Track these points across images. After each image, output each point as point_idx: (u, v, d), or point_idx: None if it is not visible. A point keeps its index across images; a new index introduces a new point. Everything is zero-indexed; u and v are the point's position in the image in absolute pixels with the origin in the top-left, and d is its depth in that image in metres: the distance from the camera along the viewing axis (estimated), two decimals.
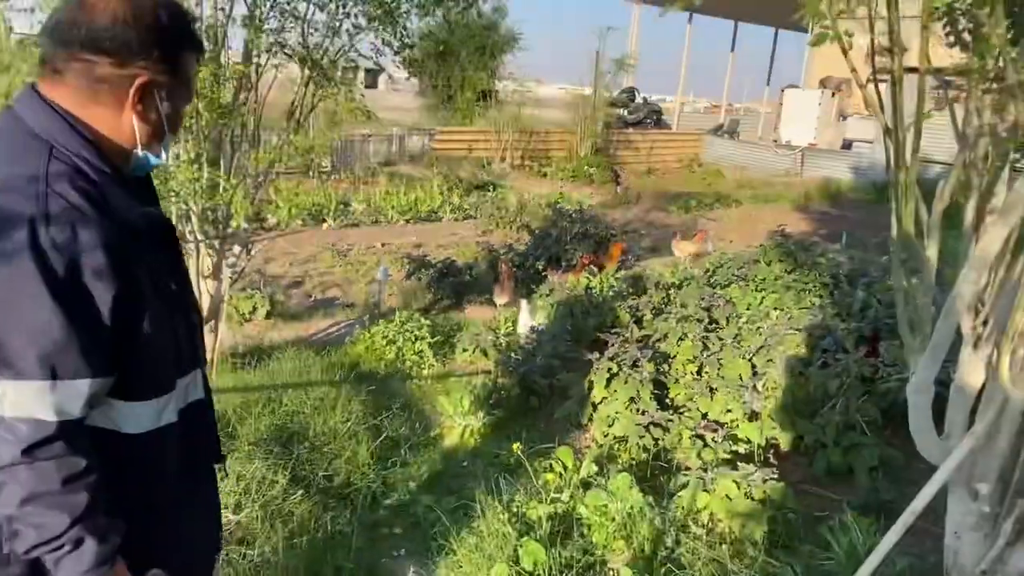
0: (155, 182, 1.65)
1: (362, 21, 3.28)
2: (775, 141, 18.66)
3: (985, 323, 1.64)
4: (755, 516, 3.11)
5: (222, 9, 3.21)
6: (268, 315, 5.67)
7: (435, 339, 5.13)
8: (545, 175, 15.39)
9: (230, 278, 3.92)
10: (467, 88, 18.71)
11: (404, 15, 3.38)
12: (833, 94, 18.17)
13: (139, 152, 1.32)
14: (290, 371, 4.28)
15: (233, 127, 3.34)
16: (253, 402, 3.68)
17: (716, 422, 3.94)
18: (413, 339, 5.08)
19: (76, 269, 1.17)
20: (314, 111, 3.71)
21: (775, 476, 3.21)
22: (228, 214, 3.65)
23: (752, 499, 3.15)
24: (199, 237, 3.69)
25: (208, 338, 4.04)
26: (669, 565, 2.90)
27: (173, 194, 3.18)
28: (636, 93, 23.12)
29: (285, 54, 3.36)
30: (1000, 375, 1.59)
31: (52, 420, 1.16)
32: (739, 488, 3.16)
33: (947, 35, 2.18)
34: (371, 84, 27.02)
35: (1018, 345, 1.56)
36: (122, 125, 1.30)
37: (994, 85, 1.55)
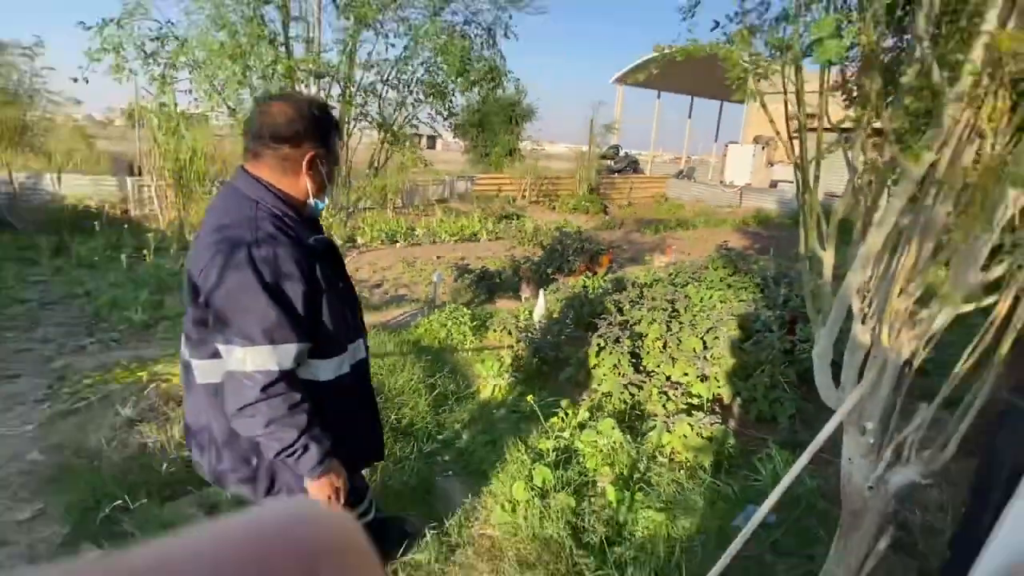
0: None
1: (420, 97, 3.28)
2: (721, 182, 18.36)
3: (870, 304, 1.60)
4: (704, 450, 3.05)
5: (323, 90, 3.24)
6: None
7: (474, 323, 5.12)
8: (554, 208, 15.30)
9: None
10: (498, 146, 18.68)
11: (450, 93, 3.36)
12: (763, 148, 17.85)
13: (311, 201, 1.49)
14: (376, 345, 4.29)
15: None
16: None
17: (676, 382, 3.88)
18: (458, 323, 5.08)
19: (278, 274, 1.34)
20: (388, 162, 3.71)
21: (719, 421, 3.15)
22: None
23: (702, 437, 3.10)
24: None
25: None
26: (642, 484, 2.87)
27: None
28: (619, 148, 22.94)
29: (367, 121, 3.36)
30: (881, 341, 1.55)
31: (276, 370, 1.34)
32: (692, 429, 3.11)
33: (843, 97, 2.14)
34: (431, 146, 27.16)
35: (893, 320, 1.52)
36: (300, 184, 1.46)
37: (872, 130, 1.51)
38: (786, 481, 1.77)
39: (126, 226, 8.29)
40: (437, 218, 11.94)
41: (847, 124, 1.87)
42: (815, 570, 2.18)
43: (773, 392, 3.63)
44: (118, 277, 6.18)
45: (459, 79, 3.19)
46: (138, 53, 2.51)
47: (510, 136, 19.02)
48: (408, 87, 3.11)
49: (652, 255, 8.91)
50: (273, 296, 1.33)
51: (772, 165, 17.78)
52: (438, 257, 8.65)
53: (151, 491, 2.30)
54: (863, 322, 1.64)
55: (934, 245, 1.43)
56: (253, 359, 1.32)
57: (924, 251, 1.45)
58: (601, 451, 3.00)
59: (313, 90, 2.96)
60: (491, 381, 3.99)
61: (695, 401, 3.66)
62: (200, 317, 1.41)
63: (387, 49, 3.04)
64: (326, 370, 1.52)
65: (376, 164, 3.57)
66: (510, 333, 4.62)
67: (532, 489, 2.62)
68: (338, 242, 3.84)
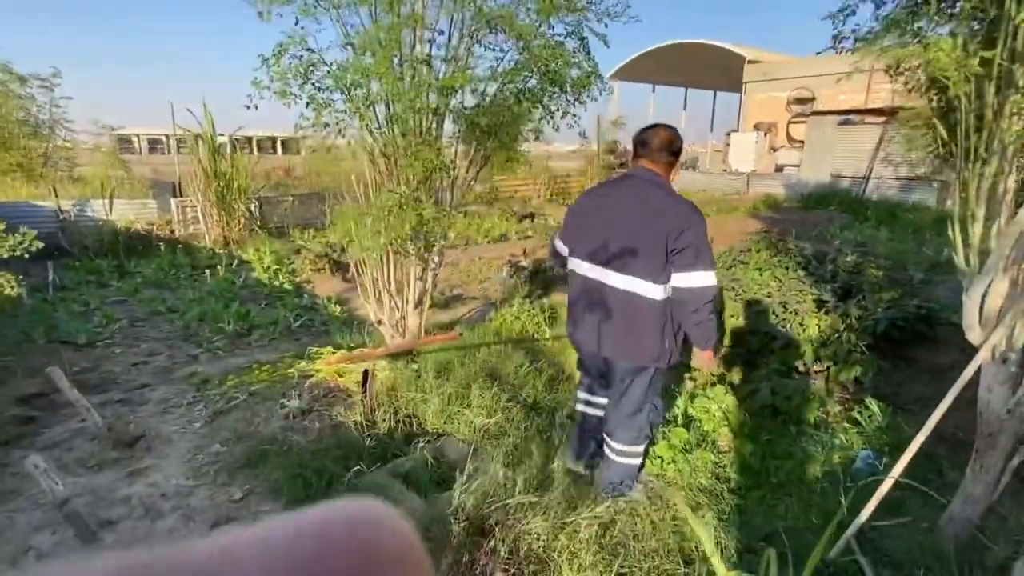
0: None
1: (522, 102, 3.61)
2: (725, 170, 18.75)
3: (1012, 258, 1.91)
4: (808, 407, 3.37)
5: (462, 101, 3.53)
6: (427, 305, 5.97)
7: (544, 314, 5.42)
8: (567, 205, 15.60)
9: (432, 277, 4.24)
10: (503, 150, 18.95)
11: (548, 99, 3.67)
12: (765, 134, 18.25)
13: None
14: (464, 339, 4.59)
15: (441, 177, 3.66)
16: (456, 356, 4.00)
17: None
18: (532, 316, 5.37)
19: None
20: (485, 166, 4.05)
21: (815, 380, 3.48)
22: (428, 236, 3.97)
23: (805, 396, 3.41)
24: (411, 251, 4.00)
25: (418, 317, 4.38)
26: (758, 439, 3.18)
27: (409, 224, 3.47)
28: (619, 143, 23.33)
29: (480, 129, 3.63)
30: (1020, 289, 1.87)
31: (716, 284, 2.23)
32: (795, 391, 3.43)
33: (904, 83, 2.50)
34: None
35: None
36: (671, 179, 2.33)
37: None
38: (943, 407, 2.09)
39: (180, 245, 8.54)
40: (463, 222, 12.21)
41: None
42: (944, 499, 2.50)
43: (852, 356, 3.95)
44: (196, 293, 6.43)
45: (558, 88, 3.50)
46: (301, 79, 2.81)
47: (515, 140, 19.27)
48: (519, 96, 3.39)
49: None
50: (707, 237, 2.19)
51: (775, 151, 18.17)
52: (480, 258, 8.93)
53: (358, 462, 2.58)
54: (1005, 271, 1.96)
55: None
56: (713, 278, 2.18)
57: None
58: (714, 416, 3.31)
59: (456, 100, 3.25)
60: None
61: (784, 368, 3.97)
62: (638, 254, 2.20)
63: (499, 63, 3.33)
64: None
65: (478, 168, 3.86)
66: None
67: (672, 448, 2.93)
68: (441, 241, 4.14)
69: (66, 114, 12.83)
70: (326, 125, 2.90)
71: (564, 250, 2.50)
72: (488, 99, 3.55)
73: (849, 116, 15.91)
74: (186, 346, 5.00)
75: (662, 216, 2.17)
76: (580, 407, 2.74)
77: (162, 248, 8.50)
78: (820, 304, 4.50)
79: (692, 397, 3.51)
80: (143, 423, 3.30)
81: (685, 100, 26.15)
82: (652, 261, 2.18)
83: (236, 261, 8.12)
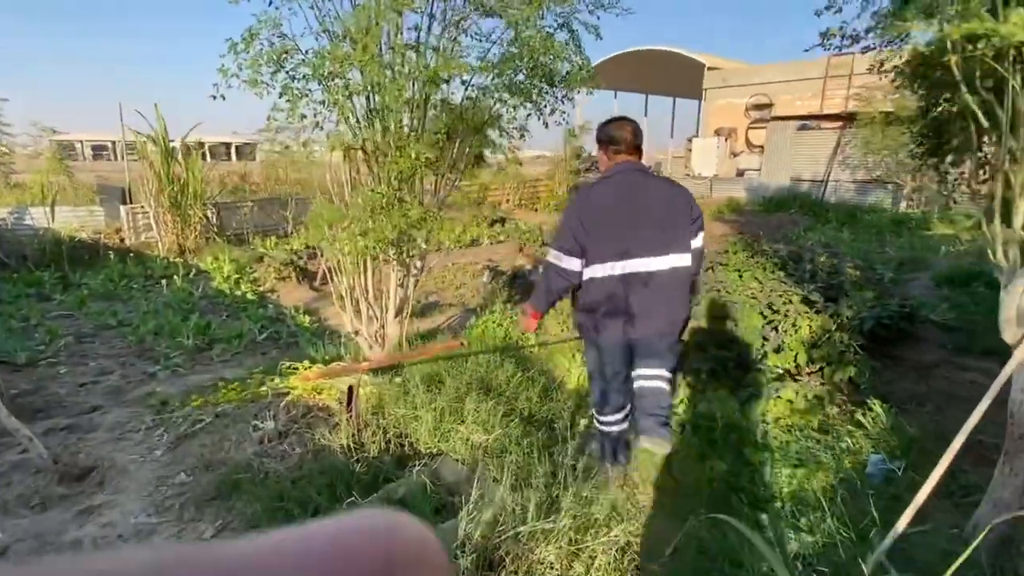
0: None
1: (507, 98, 3.42)
2: (688, 175, 19.05)
3: None
4: (811, 412, 3.27)
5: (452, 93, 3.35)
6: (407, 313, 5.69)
7: None
8: (536, 210, 15.55)
9: (413, 284, 3.99)
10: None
11: (538, 94, 3.49)
12: (726, 139, 18.63)
13: None
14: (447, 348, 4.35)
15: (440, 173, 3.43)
16: (444, 366, 3.75)
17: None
18: (515, 323, 5.17)
19: None
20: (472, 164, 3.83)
21: (824, 383, 3.38)
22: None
23: (808, 400, 3.31)
24: (392, 256, 3.75)
25: (398, 327, 4.11)
26: (764, 447, 3.05)
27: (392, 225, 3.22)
28: (583, 150, 23.49)
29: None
30: None
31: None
32: (798, 394, 3.33)
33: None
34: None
35: None
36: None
37: None
38: (980, 409, 1.98)
39: (131, 254, 7.97)
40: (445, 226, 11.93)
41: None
42: (972, 501, 2.41)
43: (845, 356, 3.89)
44: (150, 304, 5.96)
45: (546, 83, 3.32)
46: (274, 67, 2.53)
47: (477, 144, 19.12)
48: (510, 90, 3.20)
49: None
50: None
51: (735, 155, 18.58)
52: (452, 264, 8.68)
53: (347, 490, 2.32)
54: None
55: None
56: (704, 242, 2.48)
57: None
58: (719, 423, 3.17)
59: (443, 93, 3.03)
60: (575, 372, 4.12)
61: (772, 373, 3.88)
62: (676, 230, 2.35)
63: (487, 52, 3.13)
64: None
65: (463, 166, 3.65)
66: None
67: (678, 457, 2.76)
68: (423, 246, 3.90)
69: (1, 117, 11.95)
70: (303, 117, 2.63)
71: (577, 264, 2.38)
72: (477, 92, 3.34)
73: (806, 122, 16.41)
74: (141, 363, 4.58)
75: (678, 194, 2.41)
76: (606, 428, 2.62)
77: (111, 257, 7.92)
78: (808, 304, 4.45)
79: (692, 404, 3.37)
80: (94, 452, 2.93)
81: (646, 106, 26.61)
82: (686, 235, 2.39)
83: (193, 270, 7.65)
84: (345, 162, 3.33)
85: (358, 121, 2.94)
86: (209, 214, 9.41)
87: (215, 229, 9.38)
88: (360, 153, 3.22)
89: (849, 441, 3.06)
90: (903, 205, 12.82)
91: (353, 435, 2.66)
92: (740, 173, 17.79)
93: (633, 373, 2.50)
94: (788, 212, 13.97)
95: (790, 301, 4.75)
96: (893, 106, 11.97)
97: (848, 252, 7.79)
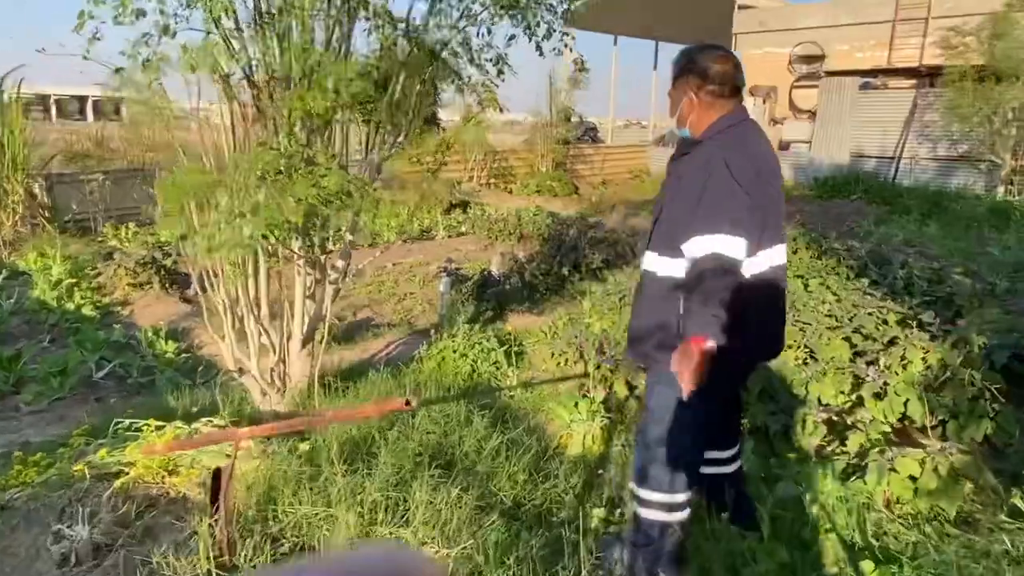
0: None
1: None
2: None
3: None
4: (947, 493, 2.87)
5: None
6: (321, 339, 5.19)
7: (503, 348, 4.78)
8: (511, 191, 15.21)
9: (332, 294, 3.48)
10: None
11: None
12: (763, 101, 18.61)
13: None
14: (384, 394, 3.83)
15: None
16: (381, 423, 3.25)
17: (830, 405, 3.74)
18: (485, 351, 4.72)
19: None
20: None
21: (963, 448, 2.99)
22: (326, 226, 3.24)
23: (940, 476, 2.91)
24: (297, 251, 3.25)
25: (307, 361, 3.59)
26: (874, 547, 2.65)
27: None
28: (573, 112, 23.32)
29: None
30: None
31: None
32: (926, 466, 2.93)
33: None
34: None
35: None
36: None
37: None
38: None
39: None
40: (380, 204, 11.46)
41: None
42: None
43: (978, 404, 3.53)
44: None
45: None
46: None
47: (426, 100, 18.73)
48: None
49: None
50: None
51: (777, 123, 18.56)
52: (394, 264, 8.19)
53: None
54: None
55: None
56: None
57: None
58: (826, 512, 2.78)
59: None
60: (578, 428, 3.68)
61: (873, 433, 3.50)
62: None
63: None
64: None
65: (414, 115, 3.17)
66: (581, 355, 4.29)
67: None
68: (349, 237, 3.41)
69: None
70: (139, 15, 2.10)
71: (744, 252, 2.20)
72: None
73: (869, 79, 16.49)
74: None
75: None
76: (667, 516, 2.40)
77: None
78: (919, 327, 4.09)
79: (769, 482, 2.95)
80: None
81: (656, 57, 26.57)
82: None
83: (4, 273, 6.99)
84: (224, 99, 2.81)
85: (239, 28, 2.44)
86: (37, 190, 8.75)
87: (45, 213, 8.72)
88: (246, 84, 2.71)
89: (1008, 542, 2.66)
90: (1001, 190, 12.85)
91: (220, 551, 2.13)
92: (784, 146, 17.76)
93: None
94: (849, 198, 13.93)
95: (885, 321, 4.45)
96: (987, 57, 12.06)
97: (938, 253, 7.60)
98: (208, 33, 2.53)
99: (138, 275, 6.70)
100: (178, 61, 2.27)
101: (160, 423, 3.17)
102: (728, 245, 2.06)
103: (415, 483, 2.58)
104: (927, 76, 14.85)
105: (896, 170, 14.80)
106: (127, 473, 2.68)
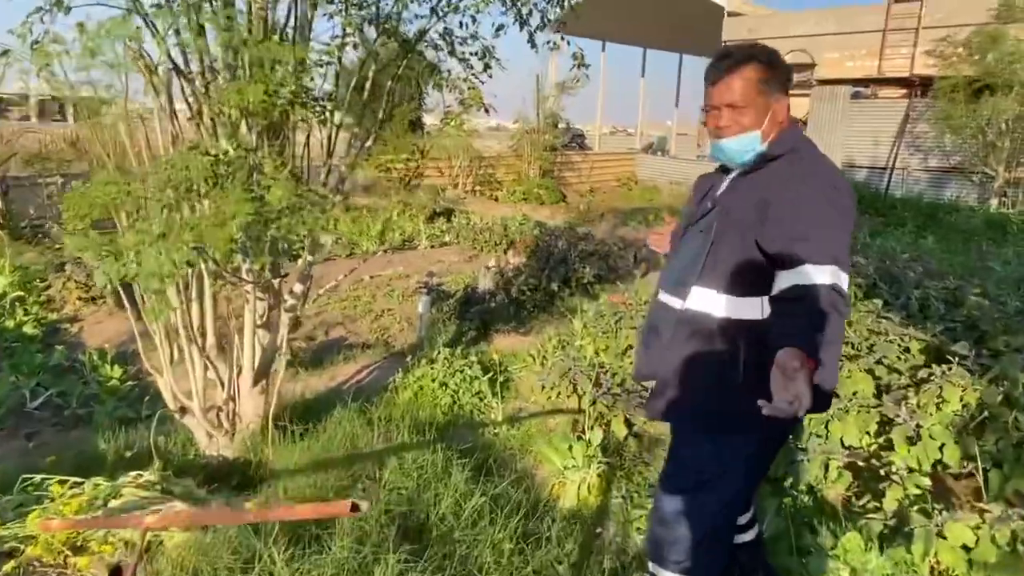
0: None
1: None
2: (700, 155, 18.69)
3: None
4: (1007, 566, 2.44)
5: None
6: (288, 364, 4.69)
7: (488, 376, 4.32)
8: (497, 199, 14.78)
9: (288, 322, 3.00)
10: (396, 119, 17.87)
11: None
12: None
13: None
14: (350, 437, 3.33)
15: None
16: (336, 484, 2.75)
17: (854, 448, 3.33)
18: (467, 380, 4.26)
19: None
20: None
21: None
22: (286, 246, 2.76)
23: (998, 546, 2.48)
24: (244, 274, 2.77)
25: (260, 397, 3.10)
26: None
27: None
28: (560, 117, 22.97)
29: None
30: None
31: None
32: (981, 530, 2.50)
33: None
34: None
35: None
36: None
37: None
38: None
39: None
40: (342, 220, 10.94)
41: None
42: None
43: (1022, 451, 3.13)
44: None
45: None
46: None
47: (410, 104, 18.27)
48: None
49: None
50: None
51: None
52: (371, 277, 7.70)
53: None
54: None
55: None
56: None
57: None
58: None
59: None
60: (573, 476, 3.23)
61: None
62: None
63: None
64: None
65: (384, 114, 2.71)
66: (575, 388, 3.83)
67: None
68: (310, 258, 2.94)
69: None
70: None
71: None
72: None
73: (860, 88, 16.22)
74: None
75: None
76: (740, 537, 2.24)
77: None
78: (948, 358, 3.68)
79: (802, 553, 2.50)
80: None
81: (643, 64, 26.25)
82: None
83: None
84: (148, 94, 2.32)
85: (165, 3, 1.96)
86: None
87: None
88: (175, 75, 2.23)
89: None
90: (995, 203, 12.59)
91: None
92: None
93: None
94: None
95: (907, 350, 4.04)
96: (978, 68, 11.79)
97: (941, 268, 7.24)
98: (128, 12, 2.05)
99: (90, 289, 6.18)
100: (75, 44, 1.79)
101: (78, 480, 2.67)
102: (838, 275, 1.65)
103: (378, 565, 2.10)
104: (919, 86, 14.59)
105: (888, 181, 14.53)
106: (22, 552, 2.17)
